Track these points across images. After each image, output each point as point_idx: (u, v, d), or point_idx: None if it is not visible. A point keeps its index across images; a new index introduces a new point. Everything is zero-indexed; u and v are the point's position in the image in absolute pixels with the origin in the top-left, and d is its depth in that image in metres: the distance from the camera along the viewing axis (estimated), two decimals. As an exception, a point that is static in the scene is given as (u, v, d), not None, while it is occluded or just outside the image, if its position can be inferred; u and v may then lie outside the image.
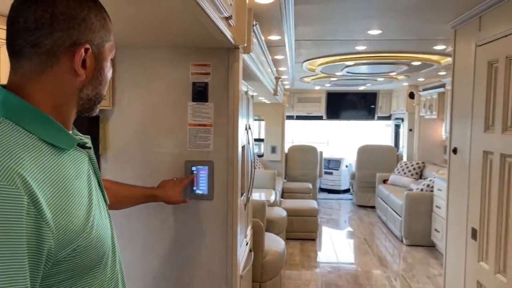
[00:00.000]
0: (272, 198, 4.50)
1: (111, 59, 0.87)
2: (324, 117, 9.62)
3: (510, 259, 2.07)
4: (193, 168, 1.83)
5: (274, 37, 3.12)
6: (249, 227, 3.24)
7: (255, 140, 8.91)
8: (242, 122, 2.65)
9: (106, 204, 0.89)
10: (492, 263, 2.24)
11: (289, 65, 4.67)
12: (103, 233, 0.80)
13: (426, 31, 3.23)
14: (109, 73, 0.86)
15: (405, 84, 7.64)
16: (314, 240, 5.93)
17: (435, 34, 3.36)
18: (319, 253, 5.60)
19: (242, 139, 2.65)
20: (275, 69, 4.50)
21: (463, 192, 2.64)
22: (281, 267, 3.79)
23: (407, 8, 2.56)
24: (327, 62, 4.75)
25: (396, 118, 9.15)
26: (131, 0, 1.15)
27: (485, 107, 2.35)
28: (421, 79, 6.77)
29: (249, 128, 3.00)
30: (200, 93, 1.81)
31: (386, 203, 6.74)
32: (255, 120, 8.83)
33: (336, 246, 5.90)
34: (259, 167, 7.54)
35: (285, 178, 8.33)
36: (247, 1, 1.72)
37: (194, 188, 1.85)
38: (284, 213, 5.13)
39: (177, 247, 1.93)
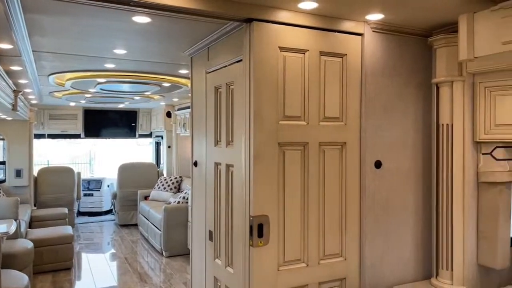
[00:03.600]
0: (12, 229, 3.88)
1: None
2: (82, 135, 9.06)
3: (235, 254, 2.47)
4: None
5: (4, 46, 2.76)
6: (-25, 267, 2.71)
7: (-5, 163, 7.53)
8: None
9: None
10: (223, 258, 2.62)
11: (31, 77, 4.20)
12: None
13: (170, 55, 3.53)
14: None
15: (163, 103, 8.06)
16: (69, 269, 5.44)
17: (179, 60, 3.71)
18: (77, 282, 5.17)
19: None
20: (11, 81, 3.95)
21: (202, 199, 2.98)
22: (23, 306, 3.31)
23: (147, 32, 2.73)
24: (76, 77, 4.51)
25: (157, 136, 9.52)
26: None
27: (214, 126, 2.75)
28: (175, 100, 7.29)
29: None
30: None
31: (147, 219, 6.87)
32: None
33: (95, 271, 5.57)
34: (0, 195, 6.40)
35: (34, 205, 7.34)
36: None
37: None
38: (30, 245, 4.52)
39: None
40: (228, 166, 2.57)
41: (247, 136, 2.23)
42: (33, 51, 3.25)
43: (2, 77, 3.45)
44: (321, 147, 2.36)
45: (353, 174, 2.45)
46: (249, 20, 2.17)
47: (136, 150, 11.71)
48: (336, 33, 2.37)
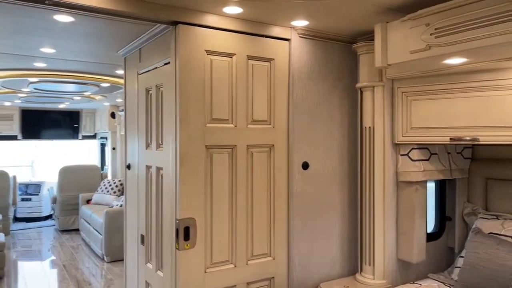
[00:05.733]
0: None
1: None
2: (19, 136, 8.57)
3: (164, 257, 2.44)
4: None
5: None
6: None
7: None
8: None
9: None
10: (154, 262, 2.59)
11: (-47, 75, 3.92)
12: None
13: (104, 56, 3.44)
14: None
15: (107, 104, 7.81)
16: (1, 278, 5.13)
17: (115, 60, 3.61)
18: (7, 293, 4.89)
19: None
20: None
21: (135, 203, 2.93)
22: None
23: (74, 32, 2.64)
24: (6, 76, 4.27)
25: (101, 137, 9.20)
26: None
27: (146, 129, 2.72)
28: (119, 100, 7.09)
29: None
30: None
31: (89, 224, 6.62)
32: None
33: (30, 280, 5.29)
34: None
35: (-37, 213, 6.86)
36: None
37: None
38: (-48, 255, 4.21)
39: None
40: (158, 169, 2.54)
41: (174, 139, 2.22)
42: (-50, 47, 3.05)
43: None
44: (249, 149, 2.40)
45: (281, 175, 2.51)
46: (175, 23, 2.17)
47: (81, 152, 11.24)
48: (264, 38, 2.43)
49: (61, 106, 8.30)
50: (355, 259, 2.77)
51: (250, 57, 2.38)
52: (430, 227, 2.91)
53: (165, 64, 2.41)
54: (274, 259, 2.50)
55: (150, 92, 2.66)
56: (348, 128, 2.77)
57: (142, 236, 2.78)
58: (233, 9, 2.15)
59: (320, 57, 2.62)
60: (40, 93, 5.44)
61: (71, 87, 4.96)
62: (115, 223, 5.75)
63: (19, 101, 7.14)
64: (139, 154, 2.85)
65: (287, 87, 2.53)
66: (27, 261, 6.27)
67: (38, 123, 8.63)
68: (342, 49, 2.71)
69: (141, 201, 2.82)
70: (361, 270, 2.63)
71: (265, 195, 2.47)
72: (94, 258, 6.07)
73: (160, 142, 2.53)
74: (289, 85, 2.53)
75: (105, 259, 5.81)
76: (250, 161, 2.40)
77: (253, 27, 2.36)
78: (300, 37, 2.53)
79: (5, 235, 7.06)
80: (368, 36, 2.62)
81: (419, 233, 2.52)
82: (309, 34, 2.54)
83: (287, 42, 2.51)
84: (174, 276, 2.20)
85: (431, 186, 2.93)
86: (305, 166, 2.57)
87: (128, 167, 3.09)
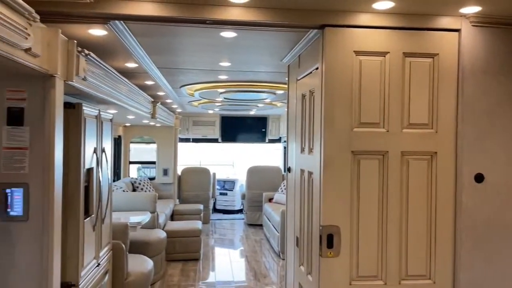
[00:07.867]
0: (145, 220, 4.55)
1: None
2: (219, 139, 9.97)
3: (314, 263, 2.43)
4: (7, 190, 1.89)
5: (131, 65, 3.29)
6: (106, 249, 3.28)
7: (148, 162, 8.94)
8: (89, 145, 2.75)
9: None
10: (305, 266, 2.60)
11: (166, 90, 4.87)
12: None
13: (272, 65, 3.67)
14: None
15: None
16: (197, 260, 6.06)
17: (281, 68, 3.81)
18: (202, 272, 5.73)
19: (88, 161, 2.76)
20: (148, 94, 4.65)
21: (292, 206, 3.02)
22: (146, 287, 3.86)
23: (246, 46, 2.92)
24: (201, 88, 5.04)
25: (285, 141, 9.85)
26: None
27: (301, 133, 2.77)
28: (299, 106, 7.44)
29: (103, 150, 3.10)
30: (15, 118, 1.90)
31: (269, 221, 7.17)
32: (147, 143, 8.89)
33: (218, 264, 6.09)
34: (149, 190, 7.52)
35: (178, 201, 8.41)
36: (60, 32, 1.87)
37: (8, 210, 1.90)
38: (164, 235, 5.21)
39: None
40: (310, 174, 2.55)
41: (320, 143, 2.19)
42: (158, 67, 3.78)
43: (138, 91, 4.11)
44: (404, 156, 2.16)
45: (446, 188, 2.17)
46: (323, 27, 2.14)
47: (268, 153, 12.24)
48: (425, 31, 2.15)
49: (251, 113, 9.26)
50: (553, 301, 2.15)
51: (407, 54, 2.15)
52: None
53: (316, 69, 2.40)
54: (434, 283, 2.17)
55: (305, 97, 2.69)
56: (545, 133, 2.17)
57: (297, 239, 2.83)
58: (384, 4, 1.98)
59: (501, 47, 2.15)
60: (230, 101, 6.20)
61: (252, 95, 5.48)
62: (289, 223, 6.06)
63: (218, 109, 8.31)
64: (295, 158, 2.92)
65: (455, 85, 2.17)
66: (220, 247, 7.23)
67: (233, 128, 9.86)
68: (535, 34, 2.15)
69: (296, 204, 2.88)
70: (562, 317, 2.02)
71: (424, 209, 2.17)
72: (272, 253, 6.53)
73: (311, 146, 2.53)
74: (458, 82, 2.17)
75: (281, 256, 6.17)
76: (405, 170, 2.16)
77: (411, 21, 2.12)
78: (472, 25, 2.13)
79: (206, 223, 8.36)
80: None
81: None
82: (484, 22, 2.12)
83: (455, 33, 2.16)
84: (318, 283, 2.17)
85: None
86: (479, 178, 2.15)
87: (289, 170, 3.20)
